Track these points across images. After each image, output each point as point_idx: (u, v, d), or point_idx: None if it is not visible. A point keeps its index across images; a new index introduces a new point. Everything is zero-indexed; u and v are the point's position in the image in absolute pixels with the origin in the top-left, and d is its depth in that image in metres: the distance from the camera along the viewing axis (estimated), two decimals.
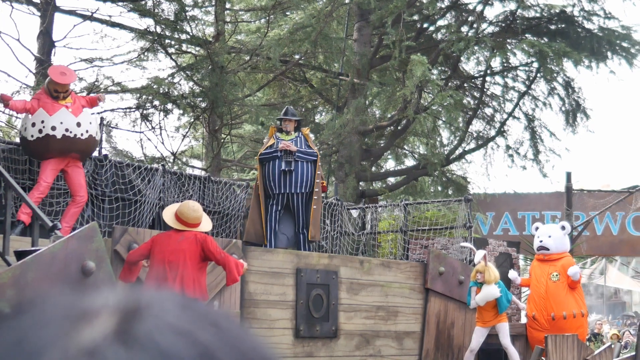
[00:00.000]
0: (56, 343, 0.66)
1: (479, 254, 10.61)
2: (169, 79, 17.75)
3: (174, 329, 0.69)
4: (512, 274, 11.88)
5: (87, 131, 9.34)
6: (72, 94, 9.58)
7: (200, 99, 17.81)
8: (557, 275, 11.21)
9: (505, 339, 10.54)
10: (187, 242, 7.47)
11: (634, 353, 11.77)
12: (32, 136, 9.16)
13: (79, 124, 9.25)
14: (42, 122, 9.15)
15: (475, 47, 19.54)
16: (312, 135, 11.67)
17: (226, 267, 7.64)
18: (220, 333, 0.72)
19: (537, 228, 11.96)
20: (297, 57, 19.76)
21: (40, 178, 9.25)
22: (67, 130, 9.15)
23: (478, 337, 10.62)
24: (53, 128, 9.10)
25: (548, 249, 11.43)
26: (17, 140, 10.13)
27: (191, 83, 17.75)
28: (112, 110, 17.19)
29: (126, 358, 0.66)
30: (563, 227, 11.65)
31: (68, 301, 0.72)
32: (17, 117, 9.65)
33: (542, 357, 10.12)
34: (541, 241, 11.46)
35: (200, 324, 0.71)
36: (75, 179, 9.46)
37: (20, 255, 6.42)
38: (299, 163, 10.85)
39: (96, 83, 15.71)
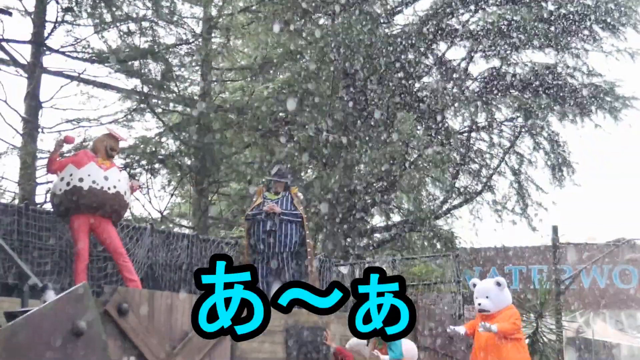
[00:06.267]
0: None
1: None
2: (156, 138, 17.80)
3: None
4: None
5: (114, 186, 9.40)
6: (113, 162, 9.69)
7: (187, 158, 17.84)
8: (495, 327, 10.83)
9: None
10: None
11: None
12: (60, 190, 9.21)
13: (106, 178, 9.32)
14: (71, 175, 9.22)
15: (460, 104, 19.72)
16: (300, 195, 11.78)
17: None
18: None
19: (474, 285, 11.27)
20: (282, 115, 19.85)
21: (76, 246, 9.22)
22: (94, 182, 9.22)
23: None
24: (80, 180, 9.17)
25: (488, 311, 11.02)
26: (9, 201, 10.07)
27: (178, 142, 17.79)
28: None
29: None
30: (498, 284, 11.11)
31: None
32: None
33: None
34: (479, 304, 10.99)
35: None
36: (109, 234, 9.46)
37: (9, 316, 6.38)
38: (284, 223, 11.01)
39: (84, 144, 15.72)
